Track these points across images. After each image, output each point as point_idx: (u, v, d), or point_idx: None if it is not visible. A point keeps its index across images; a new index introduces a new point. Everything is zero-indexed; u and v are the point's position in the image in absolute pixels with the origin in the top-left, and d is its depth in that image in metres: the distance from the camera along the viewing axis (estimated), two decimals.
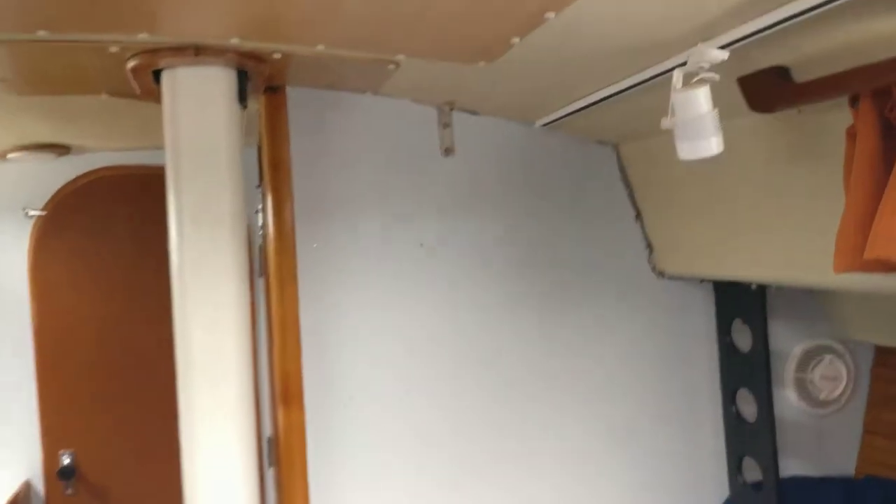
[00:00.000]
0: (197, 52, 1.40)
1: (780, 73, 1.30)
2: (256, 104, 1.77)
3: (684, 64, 1.22)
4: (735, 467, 2.13)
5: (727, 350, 2.12)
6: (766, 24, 1.12)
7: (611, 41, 1.31)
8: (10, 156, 2.40)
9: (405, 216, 1.93)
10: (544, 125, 1.95)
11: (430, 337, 1.94)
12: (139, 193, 2.66)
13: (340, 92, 1.86)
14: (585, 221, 2.07)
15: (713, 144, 1.19)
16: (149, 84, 1.50)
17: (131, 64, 1.44)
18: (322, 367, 1.83)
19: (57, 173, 2.66)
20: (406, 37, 1.38)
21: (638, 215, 2.11)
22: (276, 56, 1.49)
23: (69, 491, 2.65)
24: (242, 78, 1.51)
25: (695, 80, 1.19)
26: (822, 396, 2.22)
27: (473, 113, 1.97)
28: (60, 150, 2.46)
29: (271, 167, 1.78)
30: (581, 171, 2.07)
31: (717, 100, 1.18)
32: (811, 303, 2.20)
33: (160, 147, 1.52)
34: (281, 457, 1.78)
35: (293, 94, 1.79)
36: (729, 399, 2.13)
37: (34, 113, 1.98)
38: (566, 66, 1.48)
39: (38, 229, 2.67)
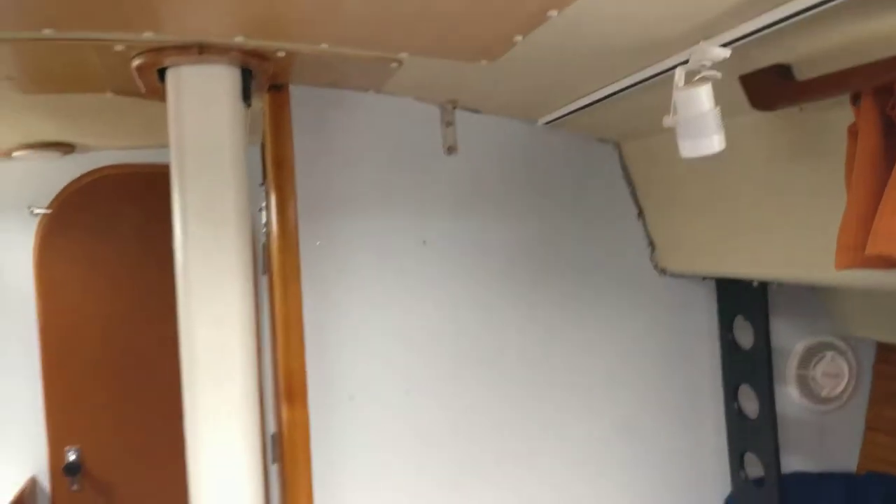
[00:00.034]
0: (201, 51, 1.41)
1: (782, 72, 1.31)
2: (260, 102, 1.78)
3: (686, 62, 1.22)
4: (737, 463, 2.13)
5: (729, 347, 2.13)
6: (768, 23, 1.13)
7: (613, 39, 1.32)
8: (15, 154, 2.41)
9: (408, 214, 1.93)
10: (546, 123, 1.95)
11: (431, 335, 1.95)
12: (143, 192, 2.67)
13: (343, 90, 1.87)
14: (587, 219, 2.08)
15: (715, 142, 1.20)
16: (153, 82, 1.51)
17: (136, 62, 1.44)
18: (324, 364, 1.83)
19: (61, 172, 2.67)
20: (409, 35, 1.39)
21: (640, 213, 2.11)
22: (280, 54, 1.50)
23: (75, 487, 2.66)
24: (246, 76, 1.51)
25: (697, 78, 1.20)
26: (824, 393, 2.22)
27: (476, 111, 1.97)
28: (65, 148, 2.47)
29: (275, 165, 1.79)
30: (583, 169, 2.07)
31: (718, 98, 1.19)
32: (813, 300, 2.20)
33: (164, 145, 1.52)
34: (285, 453, 1.79)
35: (296, 92, 1.79)
36: (731, 396, 2.13)
37: (39, 111, 1.99)
38: (568, 64, 1.49)
39: (44, 228, 2.68)
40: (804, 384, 2.21)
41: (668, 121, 1.22)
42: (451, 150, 1.96)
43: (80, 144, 2.51)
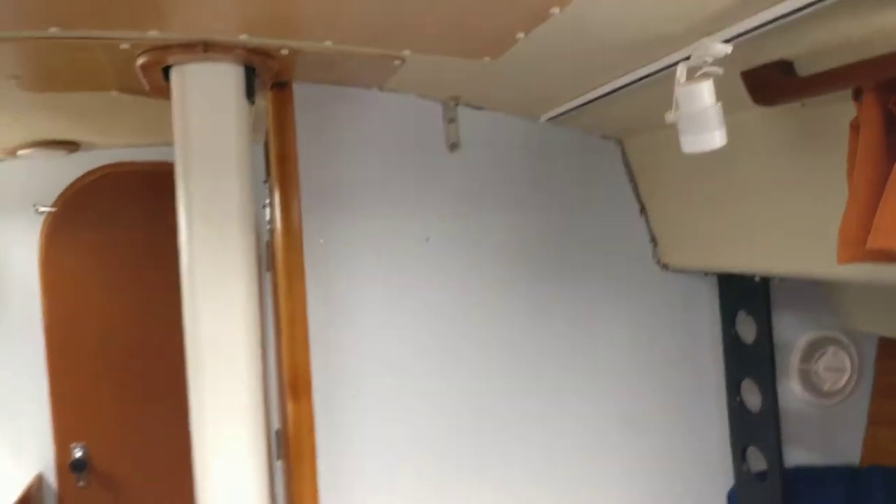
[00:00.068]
0: (206, 49, 1.42)
1: (784, 67, 1.31)
2: (264, 100, 1.79)
3: (688, 58, 1.22)
4: (739, 457, 2.14)
5: (731, 342, 2.14)
6: (770, 18, 1.13)
7: (615, 36, 1.32)
8: (20, 153, 2.42)
9: (411, 211, 1.94)
10: (549, 120, 1.96)
11: (434, 331, 1.96)
12: (147, 190, 2.68)
13: (346, 87, 1.87)
14: (590, 215, 2.08)
15: (717, 138, 1.20)
16: (158, 81, 1.52)
17: (141, 61, 1.45)
18: (328, 361, 1.84)
19: (66, 170, 2.68)
20: (412, 32, 1.39)
21: (642, 209, 2.12)
22: (284, 52, 1.51)
23: (81, 483, 2.68)
24: (250, 74, 1.52)
25: (698, 74, 1.20)
26: (827, 387, 2.23)
27: (479, 108, 1.98)
28: (70, 146, 2.48)
29: (278, 162, 1.80)
30: (585, 165, 2.08)
31: (720, 94, 1.19)
32: (815, 294, 2.21)
33: (168, 143, 1.53)
34: (290, 449, 1.80)
35: (300, 89, 1.80)
36: (733, 390, 2.14)
37: (44, 110, 2.00)
38: (571, 60, 1.49)
39: (49, 226, 2.69)
40: (806, 378, 2.22)
41: (669, 117, 1.23)
42: (453, 146, 1.96)
43: (84, 143, 2.52)
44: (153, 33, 1.34)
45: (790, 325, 2.19)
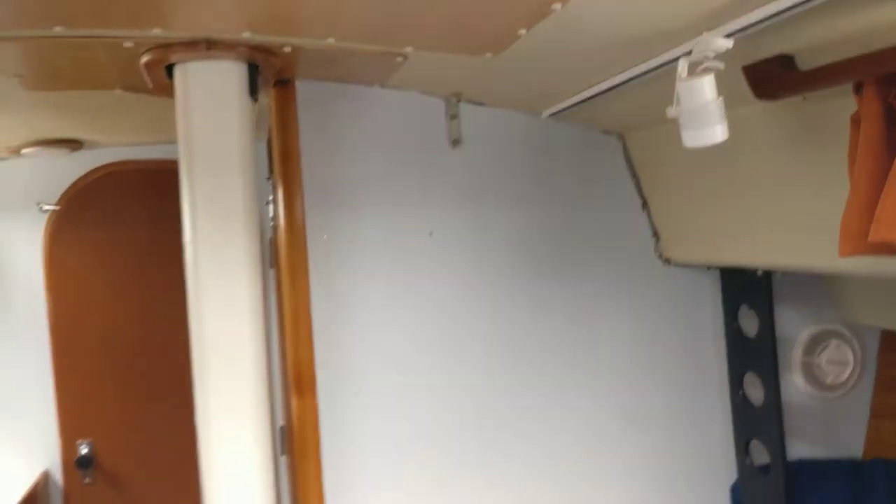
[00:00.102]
0: (209, 47, 1.42)
1: (785, 62, 1.31)
2: (266, 98, 1.79)
3: (689, 53, 1.23)
4: (742, 451, 2.15)
5: (734, 335, 2.14)
6: (771, 13, 1.13)
7: (616, 31, 1.33)
8: (24, 151, 2.43)
9: (413, 207, 1.94)
10: (551, 115, 1.96)
11: (437, 327, 1.96)
12: (151, 187, 2.69)
13: (349, 84, 1.88)
14: (592, 210, 2.09)
15: (718, 132, 1.21)
16: (162, 79, 1.52)
17: (145, 59, 1.46)
18: (331, 358, 1.85)
19: (69, 169, 2.69)
20: (414, 29, 1.40)
21: (644, 204, 2.12)
22: (287, 49, 1.51)
23: (87, 480, 2.70)
24: (253, 71, 1.52)
25: (700, 69, 1.21)
26: (829, 381, 2.23)
27: (480, 104, 1.98)
28: (73, 145, 2.49)
29: (281, 159, 1.80)
30: (587, 160, 2.08)
31: (721, 88, 1.19)
32: (817, 288, 2.21)
33: (171, 141, 1.54)
34: (294, 445, 1.81)
35: (302, 87, 1.80)
36: (736, 384, 2.15)
37: (48, 108, 2.01)
38: (572, 56, 1.50)
39: (52, 224, 2.71)
40: (809, 372, 2.23)
41: (671, 112, 1.23)
42: (455, 142, 1.97)
43: (88, 141, 2.53)
44: (156, 31, 1.35)
45: (792, 318, 2.20)
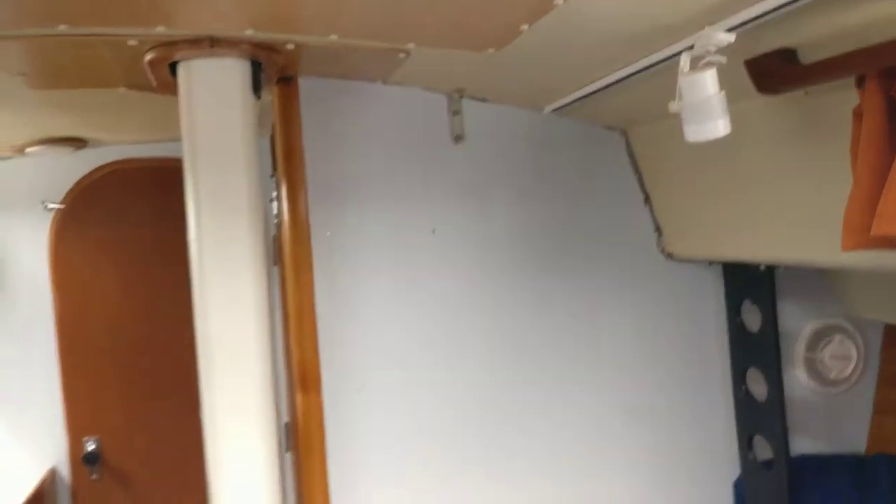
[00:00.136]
0: (212, 44, 1.43)
1: (787, 55, 1.31)
2: (269, 95, 1.80)
3: (691, 48, 1.23)
4: (745, 446, 2.15)
5: (736, 331, 2.14)
6: (773, 7, 1.14)
7: (619, 26, 1.33)
8: (28, 150, 2.44)
9: (416, 203, 1.95)
10: (553, 111, 1.96)
11: (439, 323, 1.97)
12: (155, 185, 2.69)
13: (351, 81, 1.88)
14: (595, 206, 2.09)
15: (720, 126, 1.21)
16: (165, 76, 1.53)
17: (149, 57, 1.47)
18: (334, 354, 1.85)
19: (73, 167, 2.70)
20: (416, 26, 1.40)
21: (647, 199, 2.13)
22: (290, 46, 1.52)
23: (94, 476, 2.71)
24: (256, 69, 1.53)
25: (702, 63, 1.21)
26: (833, 376, 2.24)
27: (483, 100, 1.99)
28: (77, 143, 2.50)
29: (285, 156, 1.81)
30: (590, 155, 2.09)
31: (723, 83, 1.20)
32: (820, 283, 2.21)
33: (175, 139, 1.55)
34: (300, 441, 1.82)
35: (305, 84, 1.81)
36: (739, 379, 2.15)
37: (52, 107, 2.02)
38: (574, 51, 1.50)
39: (58, 222, 2.72)
40: (812, 367, 2.23)
41: (673, 106, 1.24)
42: (458, 138, 1.97)
43: (92, 139, 2.54)
44: (160, 29, 1.35)
45: (795, 313, 2.20)
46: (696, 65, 1.22)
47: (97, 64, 1.56)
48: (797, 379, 2.22)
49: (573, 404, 2.07)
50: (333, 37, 1.45)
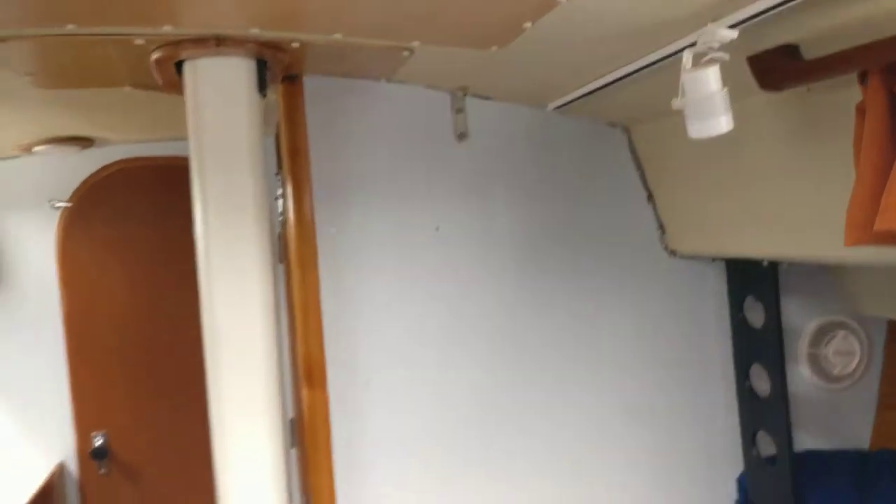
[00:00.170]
0: (218, 43, 1.44)
1: (790, 51, 1.32)
2: (274, 93, 1.81)
3: (694, 45, 1.24)
4: (749, 442, 2.15)
5: (740, 327, 2.14)
6: (775, 3, 1.14)
7: (621, 23, 1.33)
8: (35, 149, 2.45)
9: (420, 201, 1.95)
10: (556, 109, 1.97)
11: (444, 320, 1.97)
12: (161, 184, 2.71)
13: (356, 80, 1.89)
14: (598, 203, 2.09)
15: (723, 123, 1.21)
16: (171, 76, 1.54)
17: (155, 56, 1.48)
18: (340, 351, 1.86)
19: (80, 166, 2.72)
20: (420, 23, 1.41)
21: (650, 196, 2.13)
22: (295, 45, 1.53)
23: (102, 471, 2.73)
24: (261, 67, 1.54)
25: (705, 59, 1.21)
26: (836, 372, 2.24)
27: (486, 98, 1.99)
28: (84, 142, 2.51)
29: (290, 154, 1.82)
30: (593, 153, 2.09)
31: (726, 79, 1.20)
32: (824, 279, 2.21)
33: (181, 138, 1.56)
34: (305, 437, 1.83)
35: (310, 82, 1.81)
36: (742, 375, 2.15)
37: (59, 107, 2.03)
38: (577, 49, 1.50)
39: (65, 220, 2.74)
40: (816, 363, 2.23)
41: (676, 103, 1.24)
42: (461, 136, 1.98)
43: (98, 138, 2.55)
44: (167, 28, 1.36)
45: (799, 309, 2.20)
46: (698, 61, 1.22)
47: (103, 63, 1.57)
48: (801, 375, 2.22)
49: (573, 404, 2.08)
50: (338, 35, 1.46)
